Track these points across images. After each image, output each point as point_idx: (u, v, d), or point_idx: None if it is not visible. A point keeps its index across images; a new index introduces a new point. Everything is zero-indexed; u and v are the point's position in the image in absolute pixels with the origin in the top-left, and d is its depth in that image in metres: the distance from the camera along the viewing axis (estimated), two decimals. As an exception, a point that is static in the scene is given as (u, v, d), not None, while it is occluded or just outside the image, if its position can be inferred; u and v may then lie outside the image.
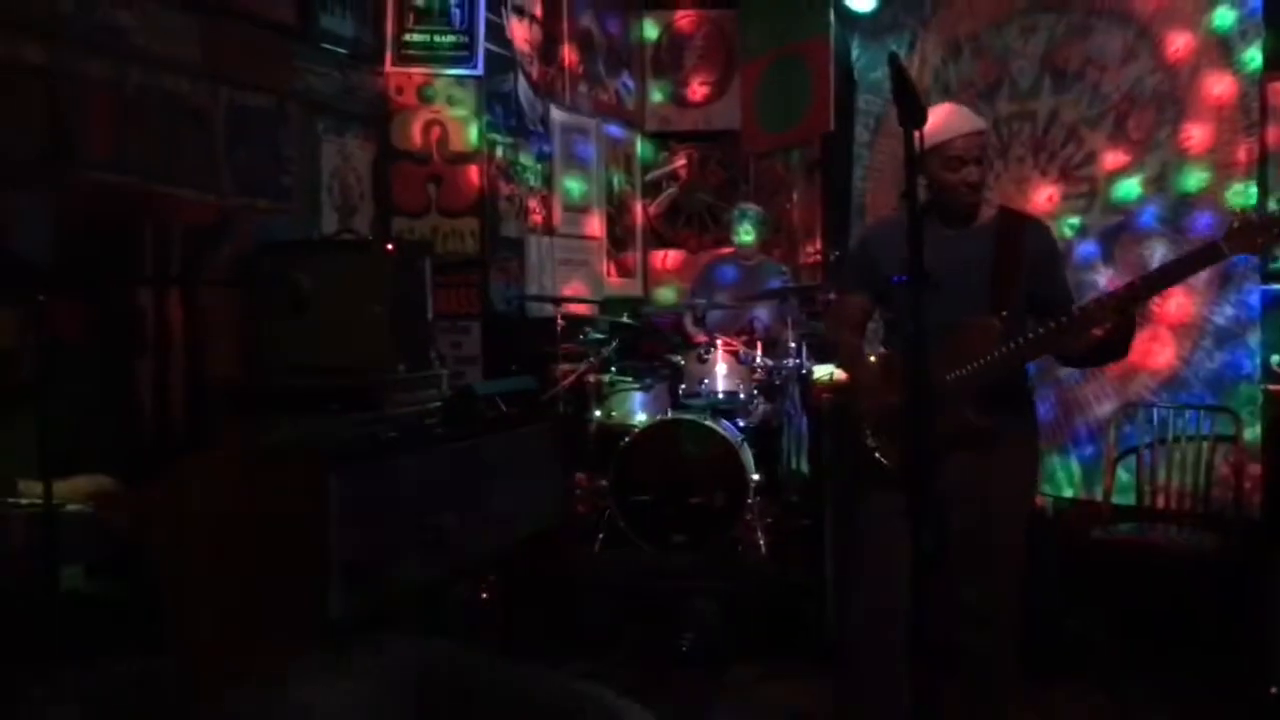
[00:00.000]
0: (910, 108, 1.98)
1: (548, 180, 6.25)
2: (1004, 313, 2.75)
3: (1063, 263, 2.95)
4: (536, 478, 3.17)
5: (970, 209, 2.83)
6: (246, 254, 4.12)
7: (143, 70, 3.79)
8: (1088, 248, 4.68)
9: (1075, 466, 4.64)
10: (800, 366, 5.05)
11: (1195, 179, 4.37)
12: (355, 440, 2.50)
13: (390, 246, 3.86)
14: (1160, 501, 4.08)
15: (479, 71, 5.35)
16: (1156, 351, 4.36)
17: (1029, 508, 2.89)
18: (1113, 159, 4.61)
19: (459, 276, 5.41)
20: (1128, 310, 2.58)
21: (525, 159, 6.02)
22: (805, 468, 5.11)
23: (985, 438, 2.75)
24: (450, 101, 5.33)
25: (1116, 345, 2.66)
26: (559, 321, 5.33)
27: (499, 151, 5.75)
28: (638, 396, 5.19)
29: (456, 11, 5.26)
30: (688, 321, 5.75)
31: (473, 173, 5.42)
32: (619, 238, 7.07)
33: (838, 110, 6.07)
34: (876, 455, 2.83)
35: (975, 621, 2.81)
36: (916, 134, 2.01)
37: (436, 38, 5.23)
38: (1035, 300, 2.83)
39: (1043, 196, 4.80)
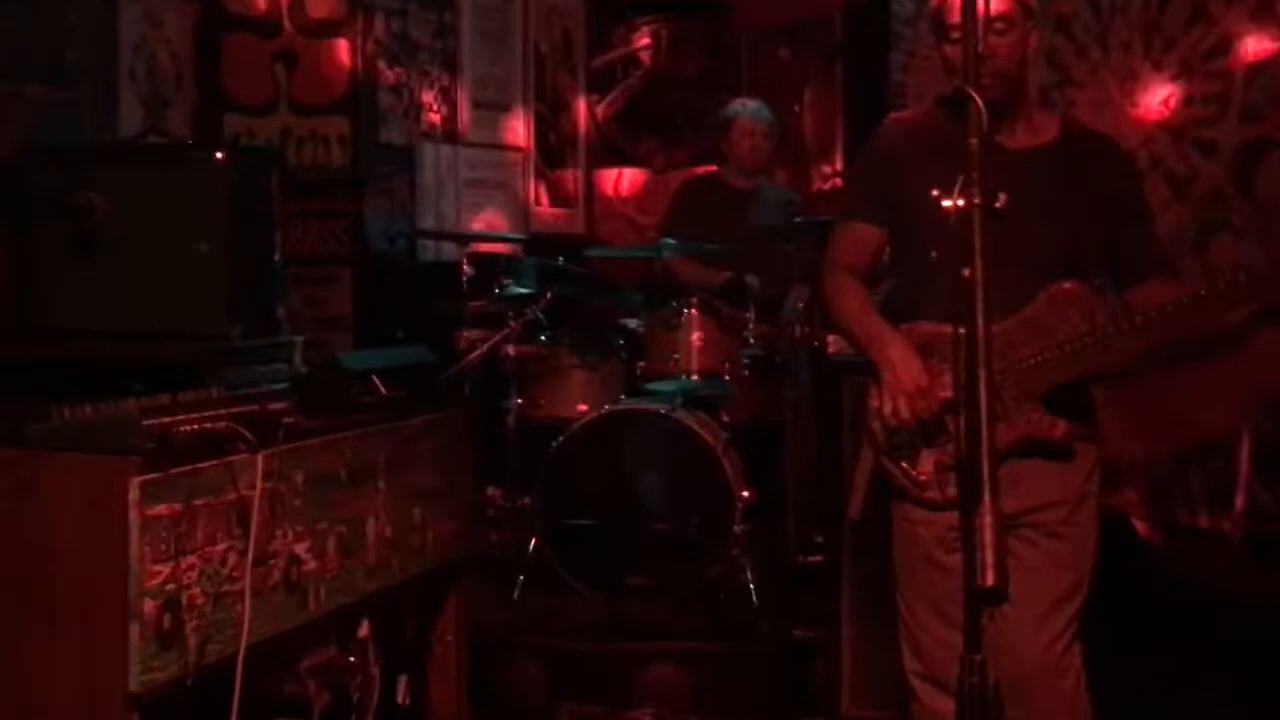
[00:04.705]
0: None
1: (450, 63, 6.21)
2: (1093, 282, 2.81)
3: (1150, 202, 3.00)
4: (430, 492, 3.17)
5: (993, 96, 2.77)
6: (11, 162, 4.08)
7: None
8: (1218, 172, 4.72)
9: (1195, 483, 4.70)
10: (809, 337, 5.06)
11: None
12: (170, 433, 2.48)
13: (221, 155, 3.83)
14: (1314, 532, 4.14)
15: (352, -97, 5.32)
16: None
17: (1099, 533, 2.99)
18: (1256, 46, 4.65)
19: (321, 202, 5.37)
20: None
21: (418, 32, 5.97)
22: (814, 480, 5.14)
23: (1055, 448, 2.81)
24: (309, -54, 5.29)
25: None
26: (465, 269, 5.31)
27: (379, 20, 5.69)
28: (578, 377, 5.18)
29: None
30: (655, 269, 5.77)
31: (341, 50, 5.37)
32: (553, 149, 7.05)
33: (869, -30, 6.08)
34: (910, 474, 2.88)
35: (1049, 675, 2.91)
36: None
37: None
38: (1115, 255, 2.89)
39: (1157, 100, 4.84)
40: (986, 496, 1.78)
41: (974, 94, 1.91)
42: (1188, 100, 4.79)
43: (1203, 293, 2.70)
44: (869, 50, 6.12)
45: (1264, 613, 3.84)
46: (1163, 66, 4.84)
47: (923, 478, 2.88)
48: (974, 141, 1.90)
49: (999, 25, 2.76)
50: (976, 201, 1.88)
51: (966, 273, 1.86)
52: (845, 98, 6.62)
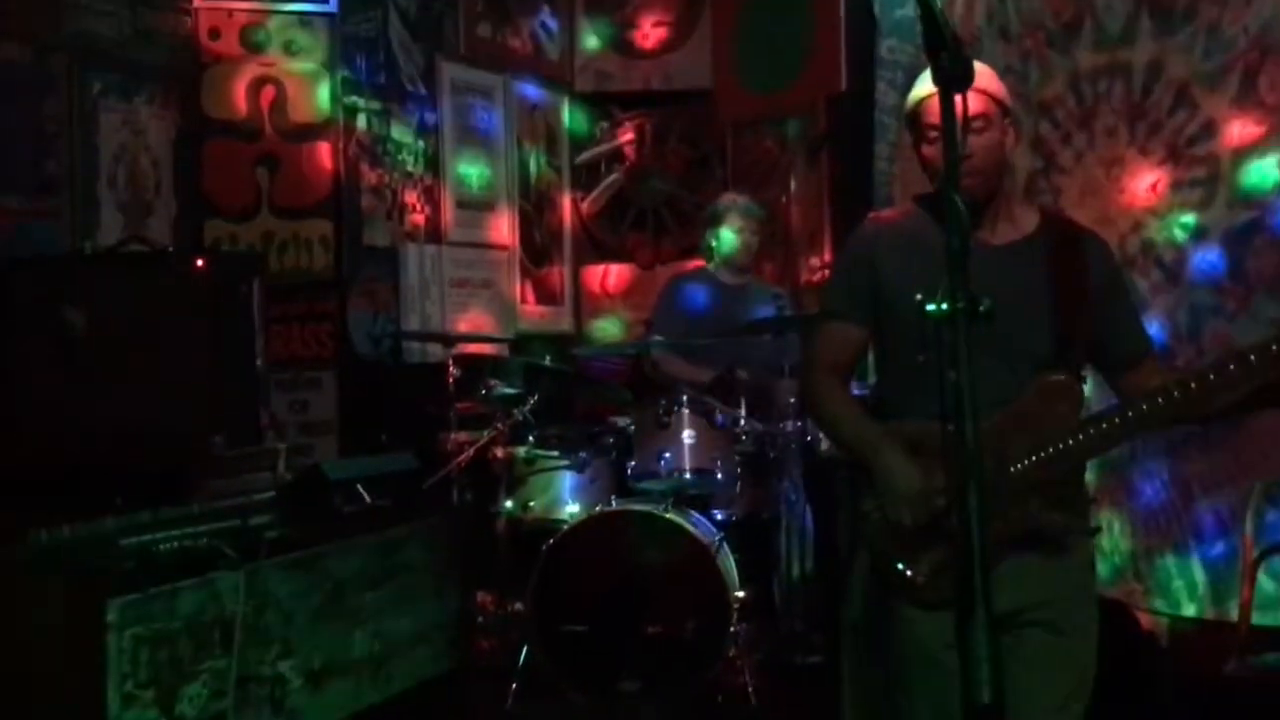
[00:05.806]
0: (947, 61, 2.03)
1: (433, 164, 6.27)
2: (1080, 373, 2.84)
3: (1127, 289, 3.08)
4: (419, 602, 3.16)
5: (973, 195, 2.82)
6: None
7: None
8: (1208, 257, 4.76)
9: (1198, 573, 4.69)
10: (803, 432, 5.07)
11: (1357, 158, 4.48)
12: (149, 552, 2.48)
13: (201, 262, 3.85)
14: (1320, 620, 4.13)
15: (332, 8, 5.37)
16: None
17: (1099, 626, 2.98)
18: (1240, 131, 4.70)
19: (304, 305, 5.38)
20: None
21: (400, 133, 6.03)
22: (811, 577, 5.12)
23: (1053, 539, 2.81)
24: (289, 50, 5.33)
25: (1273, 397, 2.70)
26: (451, 370, 5.32)
27: (361, 122, 5.75)
28: (568, 479, 5.17)
29: (298, -79, 5.31)
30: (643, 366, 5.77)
31: (323, 153, 5.41)
32: (539, 247, 7.09)
33: (852, 61, 6.15)
34: (906, 575, 2.88)
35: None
36: (958, 100, 2.06)
37: (269, -42, 5.27)
38: (1101, 341, 2.93)
39: (1143, 185, 4.89)
40: (980, 609, 1.77)
41: (955, 197, 1.93)
42: (1175, 185, 4.84)
43: (1194, 381, 2.71)
44: (853, 140, 6.19)
45: (1271, 703, 3.83)
46: (1148, 152, 4.90)
47: (920, 579, 2.87)
48: (955, 243, 1.91)
49: (977, 124, 2.81)
50: (961, 305, 1.90)
51: (953, 376, 1.87)
52: (832, 187, 6.67)
